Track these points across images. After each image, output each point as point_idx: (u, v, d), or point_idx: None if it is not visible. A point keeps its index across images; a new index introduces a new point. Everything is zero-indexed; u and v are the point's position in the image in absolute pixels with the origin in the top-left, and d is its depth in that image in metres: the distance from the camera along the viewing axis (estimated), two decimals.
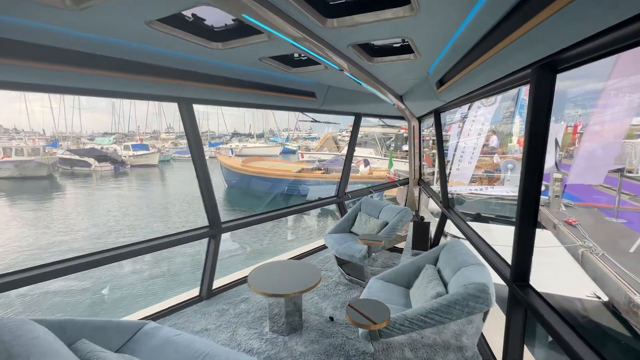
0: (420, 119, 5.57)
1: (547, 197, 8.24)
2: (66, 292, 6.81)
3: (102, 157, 24.16)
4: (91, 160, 23.37)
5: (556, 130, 14.58)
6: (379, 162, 17.66)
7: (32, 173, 20.19)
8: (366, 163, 13.73)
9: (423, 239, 4.16)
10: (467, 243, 2.60)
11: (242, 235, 9.89)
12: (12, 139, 29.90)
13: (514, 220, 1.67)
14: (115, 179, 22.02)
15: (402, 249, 3.86)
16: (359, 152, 20.21)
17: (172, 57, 1.88)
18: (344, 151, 21.64)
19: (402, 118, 5.47)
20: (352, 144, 4.75)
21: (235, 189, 15.94)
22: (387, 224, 3.51)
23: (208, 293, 3.18)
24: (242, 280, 3.49)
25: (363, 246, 3.17)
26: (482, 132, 10.59)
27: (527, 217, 1.61)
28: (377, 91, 3.02)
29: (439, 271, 2.27)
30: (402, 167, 16.76)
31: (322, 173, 13.93)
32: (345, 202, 4.92)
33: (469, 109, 9.83)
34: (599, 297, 4.15)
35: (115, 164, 24.06)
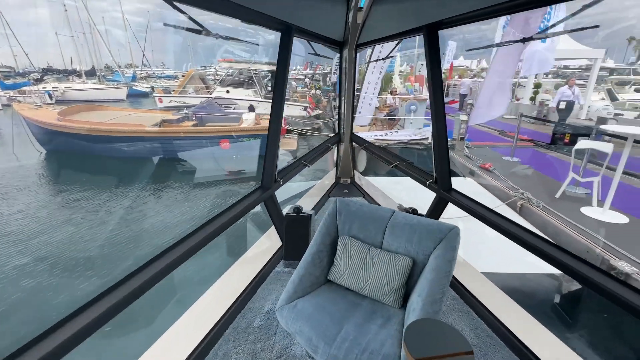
0: (357, 48, 3.84)
1: (451, 139, 8.11)
2: None
3: None
4: None
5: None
6: (262, 107, 15.12)
7: None
8: (251, 109, 10.97)
9: None
10: None
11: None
12: None
13: None
14: None
15: None
16: (234, 93, 16.86)
17: None
18: (218, 93, 17.98)
19: (338, 43, 3.53)
20: (280, 88, 2.48)
21: (63, 154, 10.49)
22: (414, 262, 1.70)
23: None
24: None
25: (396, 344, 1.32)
26: (383, 70, 9.56)
27: None
28: None
29: None
30: (286, 111, 14.68)
31: (194, 125, 10.53)
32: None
33: None
34: None
35: None
